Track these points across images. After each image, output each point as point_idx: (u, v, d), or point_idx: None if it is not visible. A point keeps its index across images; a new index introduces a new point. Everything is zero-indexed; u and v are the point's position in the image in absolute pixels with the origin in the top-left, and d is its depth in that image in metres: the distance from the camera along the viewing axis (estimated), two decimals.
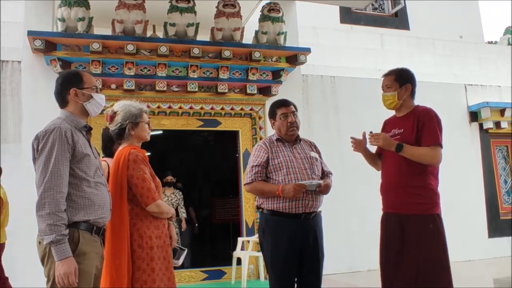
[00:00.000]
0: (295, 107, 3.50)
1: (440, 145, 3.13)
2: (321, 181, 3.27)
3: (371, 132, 3.24)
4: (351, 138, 3.43)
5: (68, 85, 2.60)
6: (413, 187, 3.08)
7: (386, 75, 3.36)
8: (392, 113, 3.42)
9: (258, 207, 3.39)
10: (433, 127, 3.13)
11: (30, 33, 6.06)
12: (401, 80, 3.27)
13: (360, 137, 3.41)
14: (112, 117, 3.00)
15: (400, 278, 3.00)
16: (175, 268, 3.27)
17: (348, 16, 10.64)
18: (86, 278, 2.40)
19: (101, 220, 2.54)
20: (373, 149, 3.45)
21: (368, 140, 3.26)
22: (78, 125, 2.61)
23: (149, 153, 3.97)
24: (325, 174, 3.45)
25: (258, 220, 5.94)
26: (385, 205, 3.25)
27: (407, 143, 3.09)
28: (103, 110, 3.07)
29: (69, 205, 2.39)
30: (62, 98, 2.63)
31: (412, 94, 3.32)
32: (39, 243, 2.43)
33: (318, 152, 3.53)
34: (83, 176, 2.48)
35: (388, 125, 3.40)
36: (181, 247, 3.25)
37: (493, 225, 8.73)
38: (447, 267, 3.01)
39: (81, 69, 6.31)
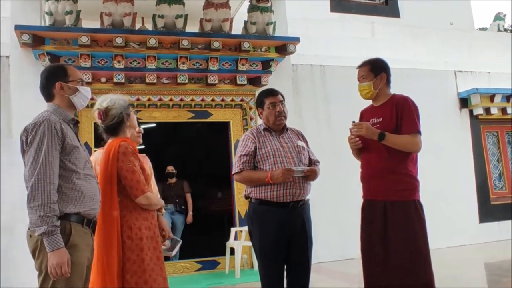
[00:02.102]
0: (282, 96, 3.53)
1: (420, 133, 3.18)
2: (306, 166, 3.31)
3: (353, 122, 3.28)
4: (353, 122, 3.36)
5: (53, 79, 2.60)
6: (396, 174, 3.13)
7: (360, 66, 3.40)
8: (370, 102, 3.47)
9: (246, 197, 3.43)
10: (411, 115, 3.17)
11: (18, 28, 6.04)
12: (375, 70, 3.31)
13: (349, 126, 3.41)
14: (105, 114, 3.00)
15: (384, 263, 3.05)
16: (169, 258, 3.31)
17: (338, 4, 10.61)
18: (79, 269, 2.41)
19: (91, 212, 2.55)
20: None
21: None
22: (66, 118, 2.60)
23: (141, 146, 3.99)
24: (312, 163, 3.48)
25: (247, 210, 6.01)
26: (366, 193, 3.30)
27: (387, 132, 3.14)
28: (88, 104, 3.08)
29: (59, 197, 2.39)
30: (47, 92, 2.62)
31: (388, 83, 3.36)
32: (30, 236, 2.43)
33: (305, 141, 3.55)
34: (73, 168, 2.48)
35: (365, 114, 3.44)
36: (177, 238, 3.28)
37: (484, 210, 8.82)
38: (428, 249, 3.08)
39: (70, 63, 6.31)
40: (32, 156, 2.38)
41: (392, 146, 3.11)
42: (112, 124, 3.01)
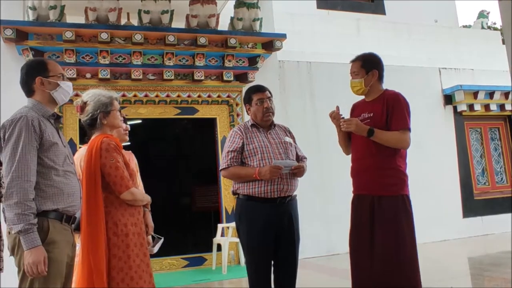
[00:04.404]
0: (270, 92, 3.53)
1: (409, 129, 3.18)
2: (294, 161, 3.31)
3: (343, 118, 3.28)
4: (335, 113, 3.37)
5: (33, 74, 2.56)
6: (385, 169, 3.13)
7: (353, 61, 3.38)
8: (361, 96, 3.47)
9: (234, 193, 3.42)
10: (401, 111, 3.17)
11: (0, 22, 5.95)
12: (367, 66, 3.29)
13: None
14: (82, 108, 2.96)
15: (371, 261, 3.05)
16: (156, 255, 3.27)
17: (324, 1, 10.66)
18: (57, 266, 2.39)
19: (70, 209, 2.52)
20: None
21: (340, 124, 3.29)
22: (46, 113, 2.56)
23: (127, 143, 3.96)
24: (299, 159, 3.49)
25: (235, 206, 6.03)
26: (356, 187, 3.31)
27: (377, 127, 3.14)
28: (72, 100, 3.05)
29: (37, 194, 2.37)
30: (28, 87, 2.58)
31: (380, 78, 3.34)
32: (9, 233, 2.41)
33: (293, 137, 3.56)
34: (51, 165, 2.46)
35: (357, 109, 3.42)
36: (158, 236, 3.25)
37: (467, 205, 8.94)
38: (414, 244, 3.09)
39: (54, 58, 6.24)
40: (9, 153, 2.36)
41: (380, 142, 3.12)
42: (87, 120, 2.97)
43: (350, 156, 3.46)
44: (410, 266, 3.04)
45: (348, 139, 3.42)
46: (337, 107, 3.37)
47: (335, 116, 3.34)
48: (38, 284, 2.32)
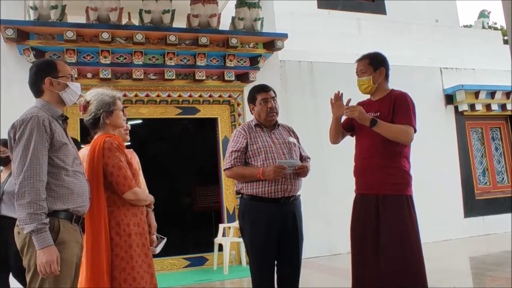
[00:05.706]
0: (274, 92, 3.51)
1: (413, 127, 3.16)
2: (298, 161, 3.30)
3: (347, 105, 3.27)
4: (332, 99, 3.39)
5: (43, 74, 2.55)
6: (389, 168, 3.12)
7: (359, 60, 3.38)
8: (367, 96, 3.45)
9: (237, 192, 3.41)
10: (407, 109, 3.17)
11: (1, 22, 5.96)
12: (375, 64, 3.29)
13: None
14: (85, 107, 2.95)
15: (375, 263, 3.03)
16: (157, 255, 3.26)
17: (325, 1, 10.65)
18: (67, 266, 2.38)
19: (80, 209, 2.52)
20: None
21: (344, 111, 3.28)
22: (55, 114, 2.56)
23: (127, 143, 3.95)
24: (303, 159, 3.48)
25: (238, 206, 6.02)
26: (359, 187, 3.29)
27: None
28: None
29: (48, 194, 2.36)
30: (36, 87, 2.58)
31: (386, 77, 3.34)
32: (18, 233, 2.40)
33: (296, 137, 3.55)
34: (62, 165, 2.45)
35: (362, 107, 3.40)
36: (161, 236, 3.24)
37: (468, 205, 8.94)
38: (419, 244, 3.09)
39: (55, 58, 6.22)
40: (20, 153, 2.35)
41: (383, 134, 3.10)
42: (89, 120, 2.96)
43: (350, 155, 3.45)
44: (416, 265, 3.02)
45: (341, 129, 3.40)
46: (338, 92, 3.37)
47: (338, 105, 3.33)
48: (48, 284, 2.32)
